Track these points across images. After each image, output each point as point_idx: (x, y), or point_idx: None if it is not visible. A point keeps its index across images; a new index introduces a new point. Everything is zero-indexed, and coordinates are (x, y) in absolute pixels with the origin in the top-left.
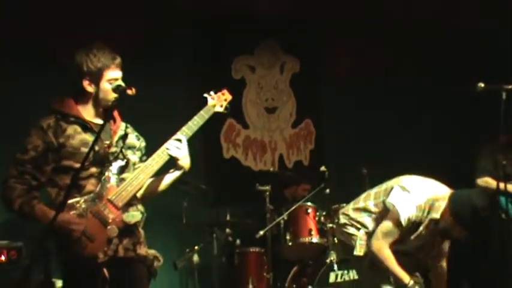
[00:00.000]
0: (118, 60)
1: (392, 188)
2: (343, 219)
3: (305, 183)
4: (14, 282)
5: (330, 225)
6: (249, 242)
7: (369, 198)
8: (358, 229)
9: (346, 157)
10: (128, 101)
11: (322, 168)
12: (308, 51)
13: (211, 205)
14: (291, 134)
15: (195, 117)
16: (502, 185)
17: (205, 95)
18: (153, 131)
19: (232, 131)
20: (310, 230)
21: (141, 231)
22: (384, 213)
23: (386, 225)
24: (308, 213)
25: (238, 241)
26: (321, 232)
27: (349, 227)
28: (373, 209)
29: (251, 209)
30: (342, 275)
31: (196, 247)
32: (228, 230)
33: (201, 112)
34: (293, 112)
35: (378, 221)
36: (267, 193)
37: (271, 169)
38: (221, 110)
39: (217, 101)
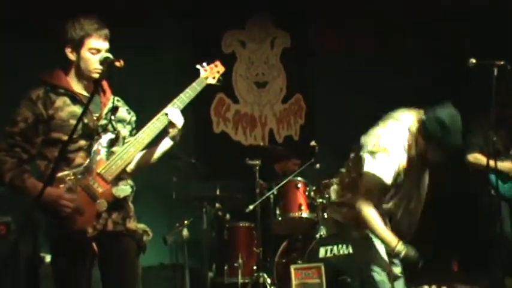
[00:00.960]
0: (103, 31)
1: (363, 159)
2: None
3: (295, 158)
4: (3, 257)
5: (320, 200)
6: (238, 216)
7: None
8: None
9: (337, 132)
10: (116, 74)
11: (312, 143)
12: (299, 26)
13: (201, 180)
14: (281, 109)
15: (187, 90)
16: (492, 162)
17: (198, 66)
18: (143, 104)
19: (222, 106)
20: (300, 205)
21: (131, 206)
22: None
23: (370, 185)
24: (298, 188)
25: (228, 216)
26: (311, 207)
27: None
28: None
29: (241, 184)
30: (331, 249)
31: (186, 221)
32: (217, 205)
33: (193, 84)
34: (283, 87)
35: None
36: (257, 168)
37: (261, 144)
38: (214, 82)
39: (210, 73)
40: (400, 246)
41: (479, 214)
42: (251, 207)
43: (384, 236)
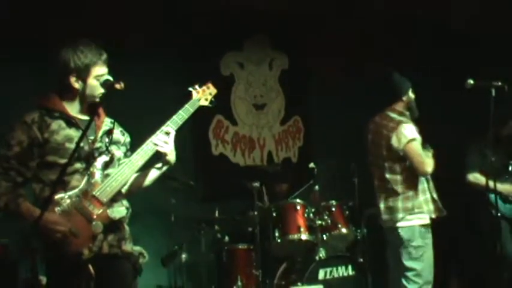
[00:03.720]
0: (104, 56)
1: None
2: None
3: (292, 178)
4: (1, 279)
5: (319, 222)
6: (237, 238)
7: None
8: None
9: (335, 154)
10: (115, 96)
11: (311, 165)
12: (297, 48)
13: (199, 202)
14: (280, 131)
15: (180, 111)
16: (491, 183)
17: (190, 88)
18: (140, 126)
19: (221, 128)
20: (299, 227)
21: (127, 228)
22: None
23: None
24: (297, 210)
25: (226, 238)
26: (310, 229)
27: None
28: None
29: (240, 206)
30: (331, 271)
31: (184, 244)
32: (216, 227)
33: (186, 106)
34: (282, 109)
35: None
36: (256, 190)
37: (260, 164)
38: (206, 103)
39: (202, 95)
40: None
41: (480, 234)
42: (250, 229)
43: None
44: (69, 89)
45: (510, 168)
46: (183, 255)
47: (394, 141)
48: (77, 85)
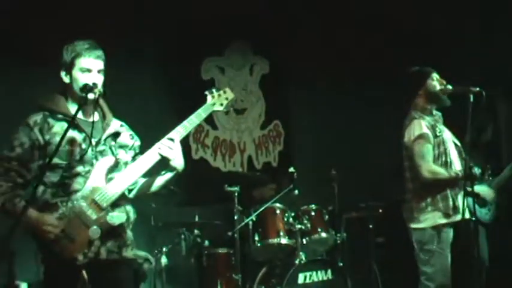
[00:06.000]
0: (96, 51)
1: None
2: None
3: (271, 183)
4: None
5: (299, 226)
6: (217, 243)
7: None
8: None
9: (315, 158)
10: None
11: (291, 169)
12: (277, 53)
13: (179, 206)
14: (260, 135)
15: (192, 116)
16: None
17: (206, 92)
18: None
19: (201, 132)
20: (279, 231)
21: (129, 233)
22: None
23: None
24: (276, 214)
25: (206, 242)
26: (290, 233)
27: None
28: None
29: (219, 210)
30: (310, 275)
31: (164, 248)
32: (196, 231)
33: (199, 111)
34: (262, 113)
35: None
36: (236, 194)
37: (240, 170)
38: (221, 108)
39: (218, 99)
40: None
41: (456, 238)
42: (230, 233)
43: (451, 179)
44: (64, 86)
45: (487, 173)
46: (163, 260)
47: (406, 139)
48: (66, 79)
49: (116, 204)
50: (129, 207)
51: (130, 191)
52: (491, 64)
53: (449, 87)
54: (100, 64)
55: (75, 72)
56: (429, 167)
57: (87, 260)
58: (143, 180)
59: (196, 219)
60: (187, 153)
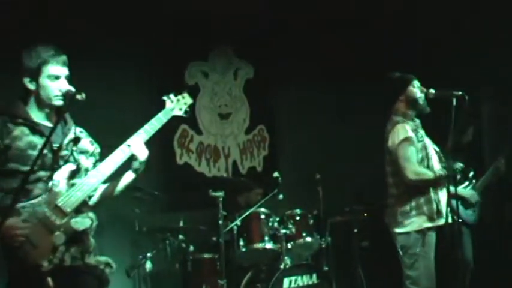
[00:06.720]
0: (61, 57)
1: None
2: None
3: (257, 187)
4: None
5: (284, 230)
6: (202, 248)
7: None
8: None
9: (300, 163)
10: (78, 106)
11: (275, 174)
12: (262, 58)
13: (164, 211)
14: (245, 140)
15: (152, 121)
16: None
17: (164, 97)
18: (105, 136)
19: (186, 137)
20: (264, 236)
21: (91, 240)
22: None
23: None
24: (261, 219)
25: (191, 247)
26: (275, 238)
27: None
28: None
29: (204, 215)
30: (296, 280)
31: (149, 254)
32: (181, 237)
33: (159, 115)
34: (247, 118)
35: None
36: (220, 199)
37: (225, 175)
38: (180, 113)
39: (176, 104)
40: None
41: (440, 240)
42: (214, 238)
43: (435, 179)
44: (27, 92)
45: (470, 175)
46: (148, 265)
47: (390, 144)
48: (31, 86)
49: (78, 210)
50: (91, 214)
51: (89, 197)
52: (475, 65)
53: (432, 91)
54: (66, 70)
55: (43, 80)
56: (414, 169)
57: (52, 267)
58: (103, 186)
59: (181, 224)
60: (171, 158)
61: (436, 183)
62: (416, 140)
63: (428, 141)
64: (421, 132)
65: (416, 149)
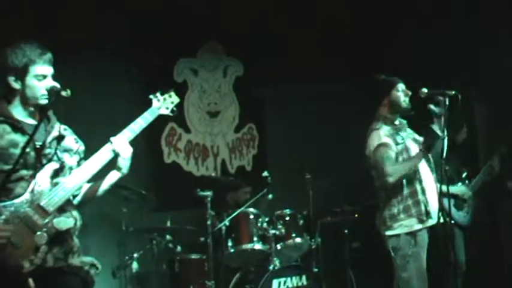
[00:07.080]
0: (47, 55)
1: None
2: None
3: (245, 186)
4: None
5: (273, 231)
6: (190, 248)
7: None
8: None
9: (290, 162)
10: (63, 103)
11: (265, 173)
12: (252, 55)
13: (151, 211)
14: (234, 139)
15: (138, 119)
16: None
17: (151, 96)
18: (93, 133)
19: (174, 135)
20: (253, 237)
21: (75, 240)
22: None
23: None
24: (250, 219)
25: (179, 248)
26: (264, 238)
27: None
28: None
29: (192, 215)
30: (285, 281)
31: (135, 254)
32: (168, 237)
33: (145, 114)
34: (236, 116)
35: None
36: (209, 199)
37: (213, 174)
38: (167, 112)
39: (163, 103)
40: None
41: (433, 241)
42: (202, 239)
43: (411, 161)
44: (10, 91)
45: (463, 175)
46: (134, 266)
47: (367, 152)
48: (16, 85)
49: (62, 209)
50: (75, 213)
51: (74, 197)
52: (469, 64)
53: (425, 90)
54: (51, 69)
55: (30, 80)
56: (389, 171)
57: (33, 267)
58: (88, 185)
59: (168, 224)
60: (159, 157)
61: (417, 159)
62: (394, 143)
63: (410, 143)
64: (403, 134)
65: (394, 152)
